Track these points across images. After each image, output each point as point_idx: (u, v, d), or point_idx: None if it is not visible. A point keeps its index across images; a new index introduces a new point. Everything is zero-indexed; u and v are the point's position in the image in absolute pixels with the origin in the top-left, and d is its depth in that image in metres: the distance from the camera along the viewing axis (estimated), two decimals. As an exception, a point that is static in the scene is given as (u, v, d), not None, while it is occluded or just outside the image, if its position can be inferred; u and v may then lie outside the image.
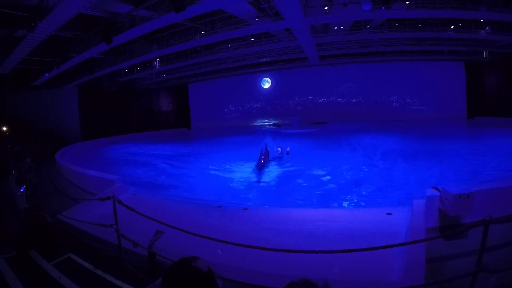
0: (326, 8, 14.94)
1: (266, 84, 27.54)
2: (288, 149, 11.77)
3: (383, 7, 14.11)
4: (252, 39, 20.13)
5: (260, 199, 7.83)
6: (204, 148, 17.17)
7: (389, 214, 4.92)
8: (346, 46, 21.64)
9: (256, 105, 27.99)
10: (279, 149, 11.72)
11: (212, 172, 10.95)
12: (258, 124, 27.69)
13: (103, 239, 4.42)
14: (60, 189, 9.23)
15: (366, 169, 10.10)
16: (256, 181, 9.32)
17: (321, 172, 9.77)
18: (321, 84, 25.90)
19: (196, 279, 1.28)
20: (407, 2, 14.56)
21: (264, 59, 24.09)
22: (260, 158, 10.58)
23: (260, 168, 10.14)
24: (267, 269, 3.44)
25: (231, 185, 9.22)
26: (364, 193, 7.75)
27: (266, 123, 27.46)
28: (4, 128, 20.29)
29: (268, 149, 10.91)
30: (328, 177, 9.30)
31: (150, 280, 2.91)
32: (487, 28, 16.71)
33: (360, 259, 3.12)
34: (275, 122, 26.84)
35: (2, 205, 3.64)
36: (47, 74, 19.68)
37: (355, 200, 7.32)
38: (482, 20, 16.55)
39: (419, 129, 19.38)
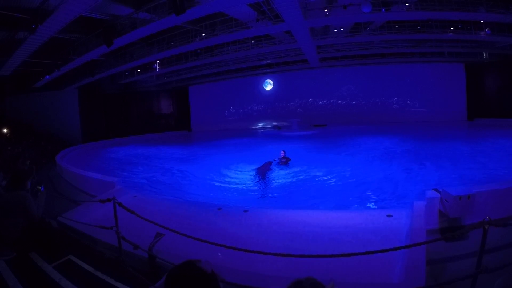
0: (326, 10, 15.00)
1: (269, 85, 27.52)
2: (283, 153, 11.61)
3: (383, 9, 14.18)
4: (252, 42, 20.19)
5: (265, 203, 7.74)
6: (204, 150, 17.15)
7: (389, 216, 4.92)
8: (346, 48, 21.67)
9: (256, 107, 28.01)
10: (282, 152, 11.61)
11: (212, 174, 10.93)
12: (259, 126, 27.69)
13: (104, 241, 4.41)
14: (60, 191, 9.22)
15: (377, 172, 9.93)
16: (259, 187, 9.26)
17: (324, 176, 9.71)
18: (322, 86, 25.91)
19: (199, 280, 1.29)
20: (407, 4, 14.60)
21: (264, 62, 24.13)
22: (263, 166, 10.61)
23: (262, 175, 10.11)
24: (267, 271, 3.44)
25: (232, 188, 9.19)
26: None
27: (267, 126, 27.46)
28: (5, 130, 20.31)
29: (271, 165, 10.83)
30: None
31: (150, 282, 2.92)
32: (486, 29, 16.73)
33: (360, 261, 3.11)
34: (276, 124, 26.83)
35: (13, 210, 3.64)
36: (47, 76, 19.72)
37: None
38: (481, 22, 16.58)
39: (421, 131, 19.24)
